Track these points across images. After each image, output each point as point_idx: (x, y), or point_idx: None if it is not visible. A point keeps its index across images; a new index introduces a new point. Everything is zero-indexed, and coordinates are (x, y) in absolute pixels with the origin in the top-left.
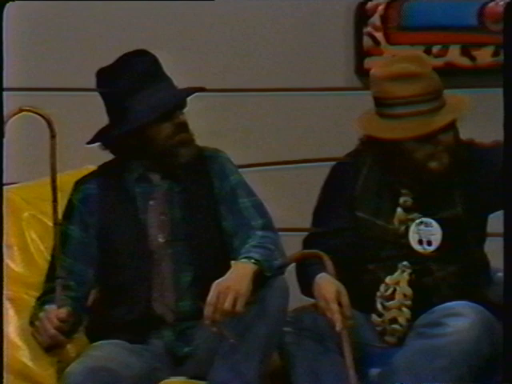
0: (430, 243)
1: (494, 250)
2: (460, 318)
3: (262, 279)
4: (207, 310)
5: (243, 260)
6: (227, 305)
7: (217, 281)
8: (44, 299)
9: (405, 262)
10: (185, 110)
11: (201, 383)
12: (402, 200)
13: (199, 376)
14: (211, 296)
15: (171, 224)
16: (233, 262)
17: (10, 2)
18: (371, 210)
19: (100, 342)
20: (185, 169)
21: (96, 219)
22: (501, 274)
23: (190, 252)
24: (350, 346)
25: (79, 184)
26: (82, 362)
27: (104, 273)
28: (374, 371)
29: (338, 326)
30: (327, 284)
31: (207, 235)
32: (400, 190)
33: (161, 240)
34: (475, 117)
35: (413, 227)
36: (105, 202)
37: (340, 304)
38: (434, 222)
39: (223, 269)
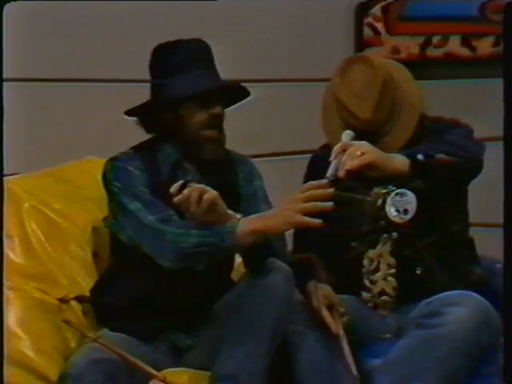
0: (406, 211)
1: (493, 241)
2: (458, 308)
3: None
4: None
5: None
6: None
7: None
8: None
9: (385, 235)
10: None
11: (205, 374)
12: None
13: (200, 367)
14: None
15: None
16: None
17: (10, 2)
18: (349, 187)
19: (101, 333)
20: (215, 165)
21: (148, 189)
22: (500, 265)
23: None
24: (349, 345)
25: (120, 156)
26: (84, 354)
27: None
28: (375, 362)
29: (333, 330)
30: (314, 292)
31: None
32: None
33: None
34: (475, 107)
35: (389, 200)
36: (149, 177)
37: (331, 305)
38: (408, 192)
39: (229, 266)
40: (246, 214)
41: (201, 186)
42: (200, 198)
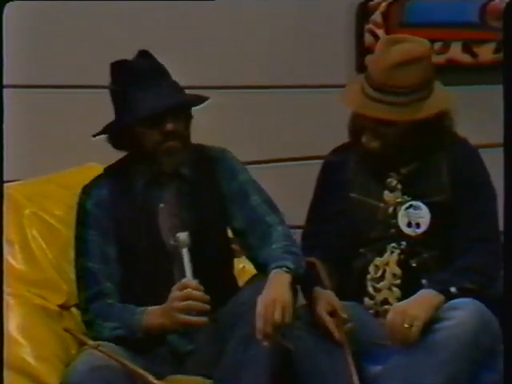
0: (418, 225)
1: None
2: (458, 312)
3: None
4: (258, 323)
5: (278, 270)
6: (277, 316)
7: (260, 295)
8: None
9: (393, 244)
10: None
11: (206, 381)
12: (387, 181)
13: (201, 374)
14: (259, 309)
15: (182, 226)
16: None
17: (10, 2)
18: (363, 191)
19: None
20: (193, 170)
21: (113, 223)
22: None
23: (198, 254)
24: (352, 352)
25: (89, 189)
26: (84, 361)
27: (124, 276)
28: (376, 368)
29: (336, 337)
30: (317, 299)
31: (215, 237)
32: (386, 171)
33: (172, 243)
34: (476, 113)
35: (402, 210)
36: (118, 205)
37: (334, 312)
38: (422, 205)
39: (227, 269)
40: (240, 212)
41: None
42: (283, 313)
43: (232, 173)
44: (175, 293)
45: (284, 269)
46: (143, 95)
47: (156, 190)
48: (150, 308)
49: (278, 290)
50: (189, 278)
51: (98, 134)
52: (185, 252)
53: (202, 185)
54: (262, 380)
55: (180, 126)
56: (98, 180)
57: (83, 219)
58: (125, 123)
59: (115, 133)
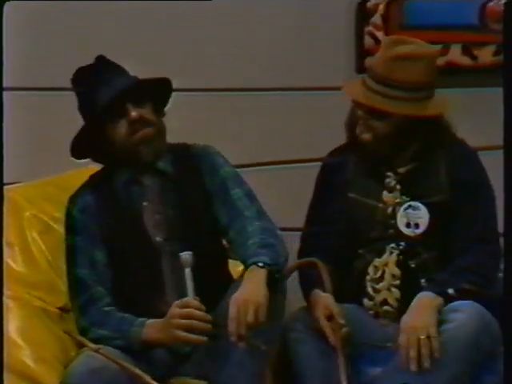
0: (417, 226)
1: None
2: (458, 314)
3: (273, 280)
4: (231, 327)
5: (253, 266)
6: (250, 318)
7: (234, 295)
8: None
9: (392, 244)
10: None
11: (202, 383)
12: (386, 182)
13: (200, 375)
14: (232, 312)
15: (167, 223)
16: (233, 262)
17: (9, 2)
18: (362, 191)
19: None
20: (176, 168)
21: (100, 227)
22: (500, 274)
23: (187, 250)
24: (345, 358)
25: (74, 197)
26: (83, 363)
27: (114, 278)
28: (376, 371)
29: (332, 341)
30: (315, 302)
31: (202, 233)
32: (385, 172)
33: (158, 239)
34: (476, 116)
35: (401, 211)
36: (103, 210)
37: (331, 316)
38: (421, 206)
39: (220, 266)
40: (222, 207)
41: None
42: (256, 314)
43: (214, 169)
44: (175, 310)
45: (260, 264)
46: (100, 93)
47: (138, 188)
48: (148, 321)
49: (251, 288)
50: (190, 297)
51: (79, 156)
52: (187, 272)
53: (186, 182)
54: (250, 381)
55: (145, 113)
56: (82, 188)
57: (71, 227)
58: (91, 123)
59: (88, 137)
